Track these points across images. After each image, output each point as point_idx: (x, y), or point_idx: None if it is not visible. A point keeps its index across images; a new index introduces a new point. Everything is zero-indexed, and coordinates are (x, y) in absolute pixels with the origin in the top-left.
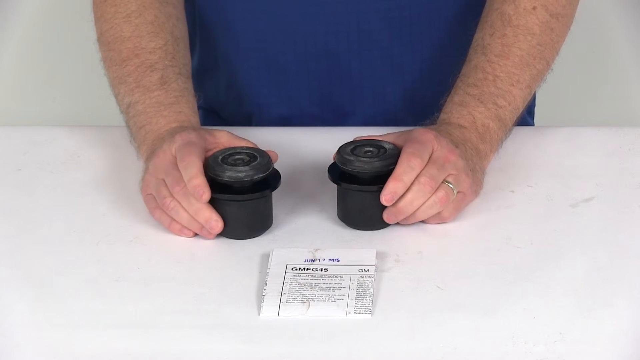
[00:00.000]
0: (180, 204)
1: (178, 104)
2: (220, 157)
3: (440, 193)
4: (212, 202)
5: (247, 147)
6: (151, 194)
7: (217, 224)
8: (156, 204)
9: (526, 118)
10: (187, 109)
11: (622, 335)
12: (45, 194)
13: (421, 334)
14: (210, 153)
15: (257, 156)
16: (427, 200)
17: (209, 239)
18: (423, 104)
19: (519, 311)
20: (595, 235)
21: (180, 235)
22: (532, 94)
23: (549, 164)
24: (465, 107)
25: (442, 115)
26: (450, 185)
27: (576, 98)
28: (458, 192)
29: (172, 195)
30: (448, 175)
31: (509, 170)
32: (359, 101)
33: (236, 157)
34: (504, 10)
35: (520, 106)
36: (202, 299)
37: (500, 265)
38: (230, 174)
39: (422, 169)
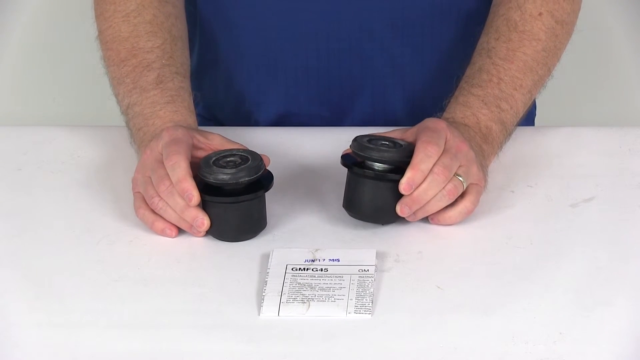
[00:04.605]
0: (167, 203)
1: (174, 103)
2: (212, 159)
3: (449, 186)
4: (201, 202)
5: (241, 150)
6: (139, 192)
7: (203, 221)
8: (140, 204)
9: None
10: (182, 108)
11: (622, 335)
12: (45, 194)
13: (421, 334)
14: (202, 153)
15: (249, 159)
16: (440, 190)
17: (197, 237)
18: (423, 107)
19: (519, 311)
20: (595, 235)
21: (163, 235)
22: (532, 100)
23: (549, 164)
24: (470, 108)
25: (446, 115)
26: (460, 178)
27: (576, 98)
28: (473, 184)
29: (159, 195)
30: (459, 166)
31: (509, 170)
32: (358, 101)
33: (228, 159)
34: (510, 16)
35: (520, 111)
36: (202, 299)
37: (500, 265)
38: (216, 176)
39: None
